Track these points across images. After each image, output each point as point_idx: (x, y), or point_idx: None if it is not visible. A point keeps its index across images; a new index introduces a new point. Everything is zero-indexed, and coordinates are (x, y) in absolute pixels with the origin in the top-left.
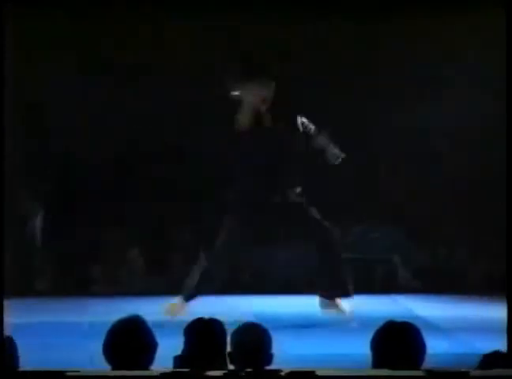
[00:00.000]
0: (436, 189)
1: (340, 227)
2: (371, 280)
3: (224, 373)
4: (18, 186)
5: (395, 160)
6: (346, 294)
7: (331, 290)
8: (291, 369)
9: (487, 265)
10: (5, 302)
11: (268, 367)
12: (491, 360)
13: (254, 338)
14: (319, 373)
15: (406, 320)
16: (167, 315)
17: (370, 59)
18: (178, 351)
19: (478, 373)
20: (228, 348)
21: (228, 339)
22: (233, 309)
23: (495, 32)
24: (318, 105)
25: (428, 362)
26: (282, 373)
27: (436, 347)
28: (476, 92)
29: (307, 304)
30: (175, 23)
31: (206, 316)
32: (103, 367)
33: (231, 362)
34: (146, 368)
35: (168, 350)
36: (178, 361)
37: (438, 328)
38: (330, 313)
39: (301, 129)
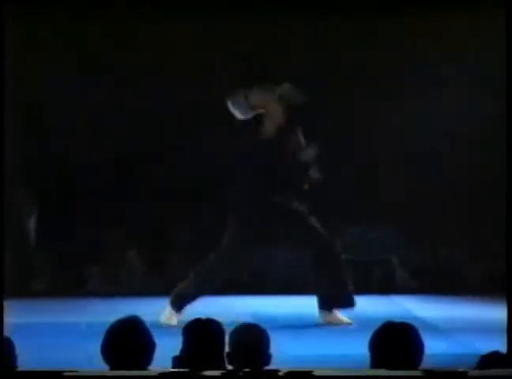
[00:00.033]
0: (436, 189)
1: (340, 227)
2: (370, 281)
3: (223, 373)
4: (18, 186)
5: (395, 160)
6: (347, 305)
7: (331, 302)
8: (289, 369)
9: (487, 265)
10: (5, 302)
11: (266, 367)
12: (489, 361)
13: (252, 338)
14: (317, 373)
15: (405, 320)
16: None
17: (371, 59)
18: (177, 352)
19: (476, 373)
20: (227, 348)
21: (227, 339)
22: (232, 309)
23: (495, 32)
24: (318, 105)
25: (426, 363)
26: (280, 373)
27: (434, 348)
28: (476, 92)
29: (307, 304)
30: (175, 23)
31: (205, 316)
32: (102, 367)
33: (230, 363)
34: (144, 368)
35: (167, 350)
36: (177, 361)
37: (436, 329)
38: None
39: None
